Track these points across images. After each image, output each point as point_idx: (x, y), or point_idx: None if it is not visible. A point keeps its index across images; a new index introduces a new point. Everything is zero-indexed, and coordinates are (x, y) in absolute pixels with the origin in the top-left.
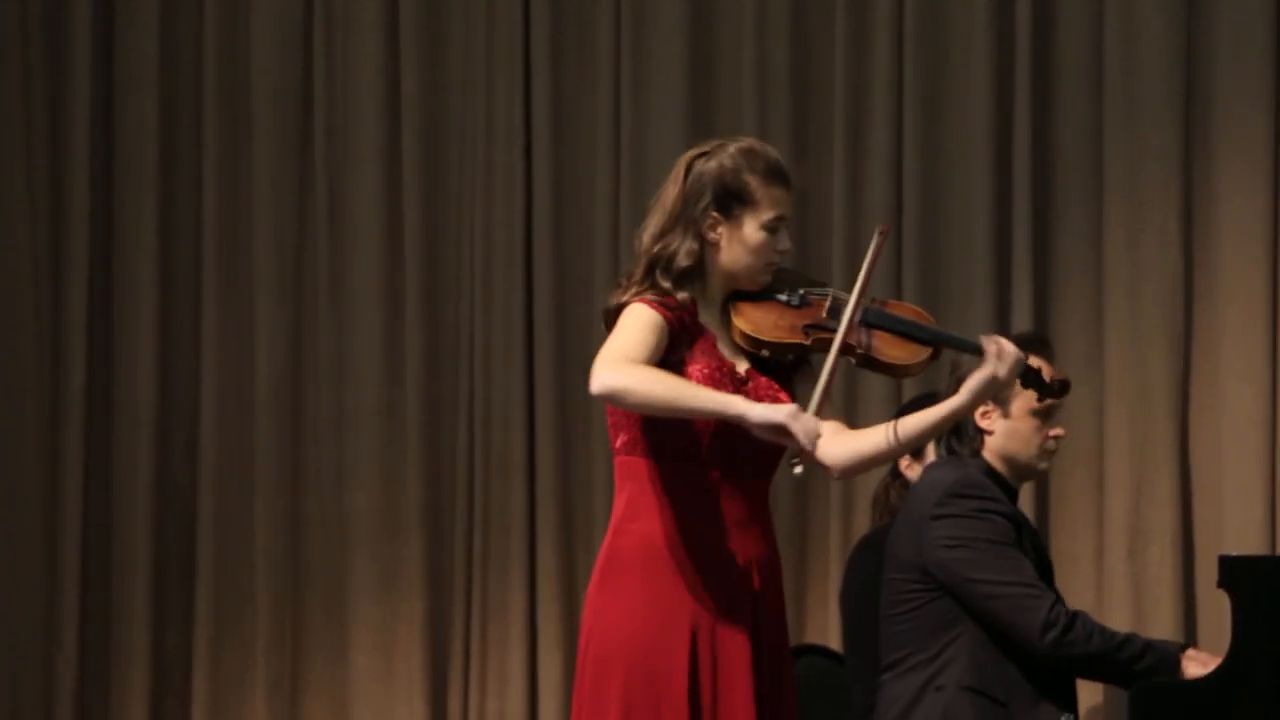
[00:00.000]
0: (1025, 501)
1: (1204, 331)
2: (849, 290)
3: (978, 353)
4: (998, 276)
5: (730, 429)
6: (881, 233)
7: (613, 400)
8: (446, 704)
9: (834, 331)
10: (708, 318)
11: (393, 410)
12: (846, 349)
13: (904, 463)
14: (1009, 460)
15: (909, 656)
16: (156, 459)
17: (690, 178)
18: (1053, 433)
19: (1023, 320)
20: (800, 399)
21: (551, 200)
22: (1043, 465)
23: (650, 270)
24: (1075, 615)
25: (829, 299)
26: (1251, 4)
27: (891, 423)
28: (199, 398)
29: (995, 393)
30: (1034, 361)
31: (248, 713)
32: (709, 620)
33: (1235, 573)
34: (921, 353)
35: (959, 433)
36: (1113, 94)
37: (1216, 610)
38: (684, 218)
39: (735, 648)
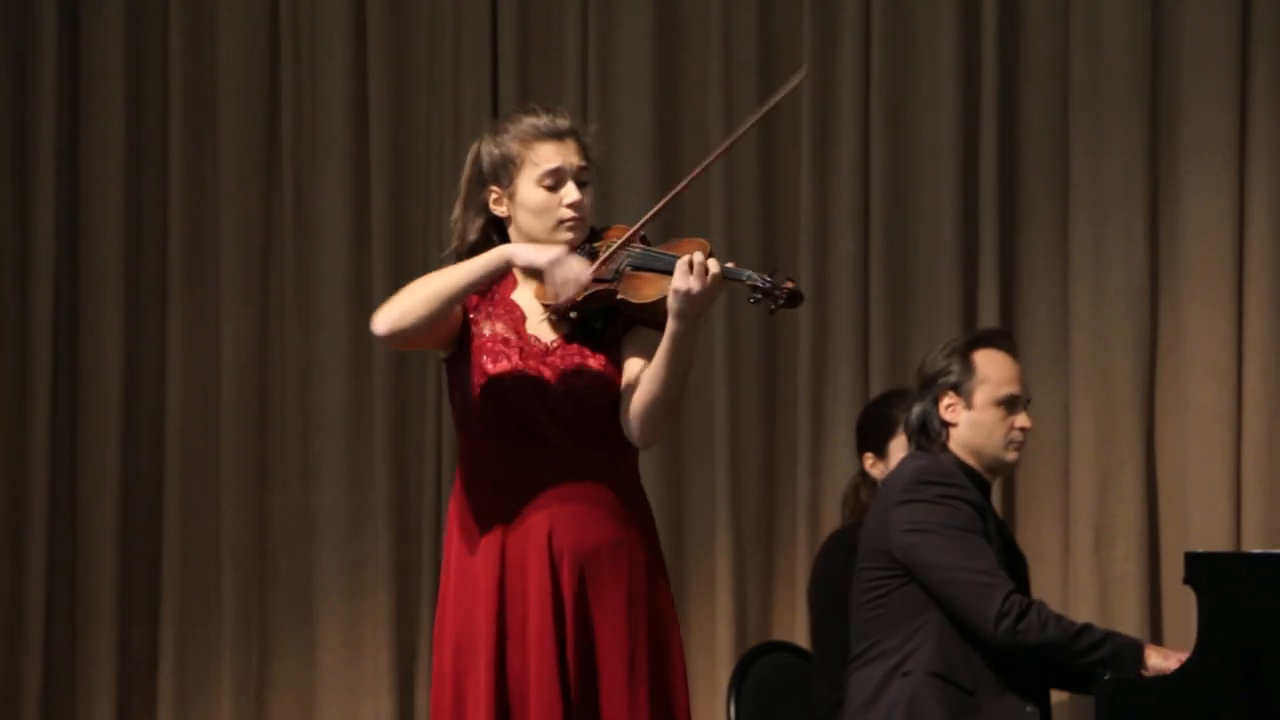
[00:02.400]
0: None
1: (1169, 329)
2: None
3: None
4: (964, 274)
5: (506, 400)
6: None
7: (399, 330)
8: (414, 701)
9: (606, 283)
10: (525, 295)
11: (359, 408)
12: (607, 297)
13: (868, 461)
14: (976, 452)
15: (877, 644)
16: (122, 457)
17: (473, 160)
18: (1018, 424)
19: (989, 318)
20: (624, 361)
21: None
22: (1010, 457)
23: (457, 258)
24: (1030, 604)
25: (607, 245)
26: (1216, 3)
27: (649, 367)
28: (165, 396)
29: (695, 308)
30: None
31: (214, 710)
32: (503, 597)
33: (1201, 569)
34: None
35: (926, 429)
36: (1078, 92)
37: (1182, 606)
38: (470, 200)
39: (533, 623)
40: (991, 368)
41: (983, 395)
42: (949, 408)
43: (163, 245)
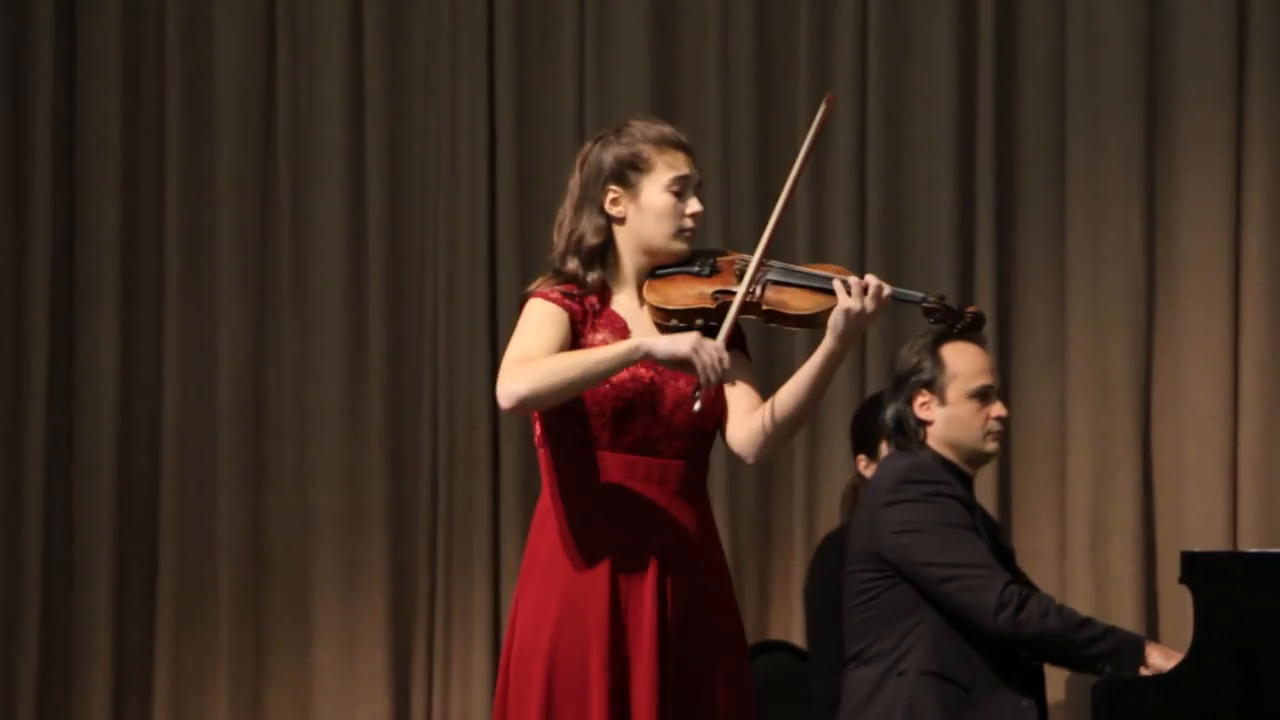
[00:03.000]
0: (987, 494)
1: (1165, 327)
2: (776, 258)
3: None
4: (961, 272)
5: (632, 410)
6: (781, 207)
7: (526, 406)
8: (409, 701)
9: (749, 297)
10: (624, 303)
11: (356, 408)
12: (749, 306)
13: (861, 464)
14: (955, 446)
15: (871, 645)
16: (119, 457)
17: (587, 164)
18: (994, 413)
19: (987, 316)
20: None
21: (515, 198)
22: (990, 447)
23: (561, 258)
24: (1030, 595)
25: (737, 264)
26: (1213, 2)
27: (785, 387)
28: (161, 395)
29: (859, 327)
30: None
31: (210, 710)
32: (617, 610)
33: (1197, 568)
34: (827, 301)
35: (903, 429)
36: (1075, 91)
37: (1178, 605)
38: (585, 200)
39: (638, 637)
40: (961, 361)
41: (956, 390)
42: (923, 405)
43: (159, 245)
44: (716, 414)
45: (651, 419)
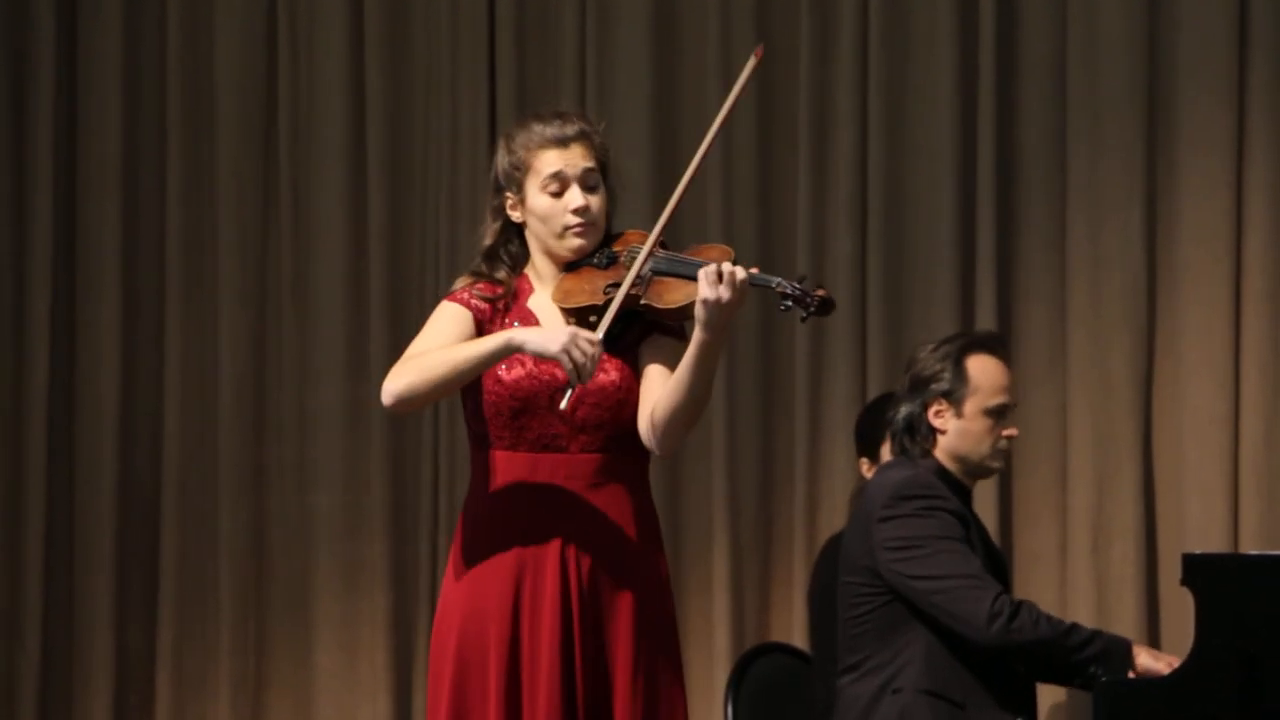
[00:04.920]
0: (988, 498)
1: (1166, 329)
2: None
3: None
4: (962, 275)
5: (528, 407)
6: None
7: (404, 402)
8: (410, 703)
9: (632, 288)
10: (540, 299)
11: (356, 410)
12: (631, 299)
13: (864, 467)
14: (961, 459)
15: (867, 660)
16: (119, 458)
17: (493, 165)
18: (1006, 432)
19: (986, 318)
20: (643, 368)
21: None
22: (996, 464)
23: (482, 260)
24: (1020, 603)
25: (627, 252)
26: (1213, 4)
27: (673, 376)
28: (162, 397)
29: (723, 316)
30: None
31: (211, 712)
32: (517, 603)
33: (1198, 571)
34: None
35: (912, 431)
36: (1076, 93)
37: (1179, 608)
38: (491, 206)
39: (537, 634)
40: (984, 377)
41: (973, 405)
42: (938, 414)
43: (160, 247)
44: (633, 404)
45: (551, 415)
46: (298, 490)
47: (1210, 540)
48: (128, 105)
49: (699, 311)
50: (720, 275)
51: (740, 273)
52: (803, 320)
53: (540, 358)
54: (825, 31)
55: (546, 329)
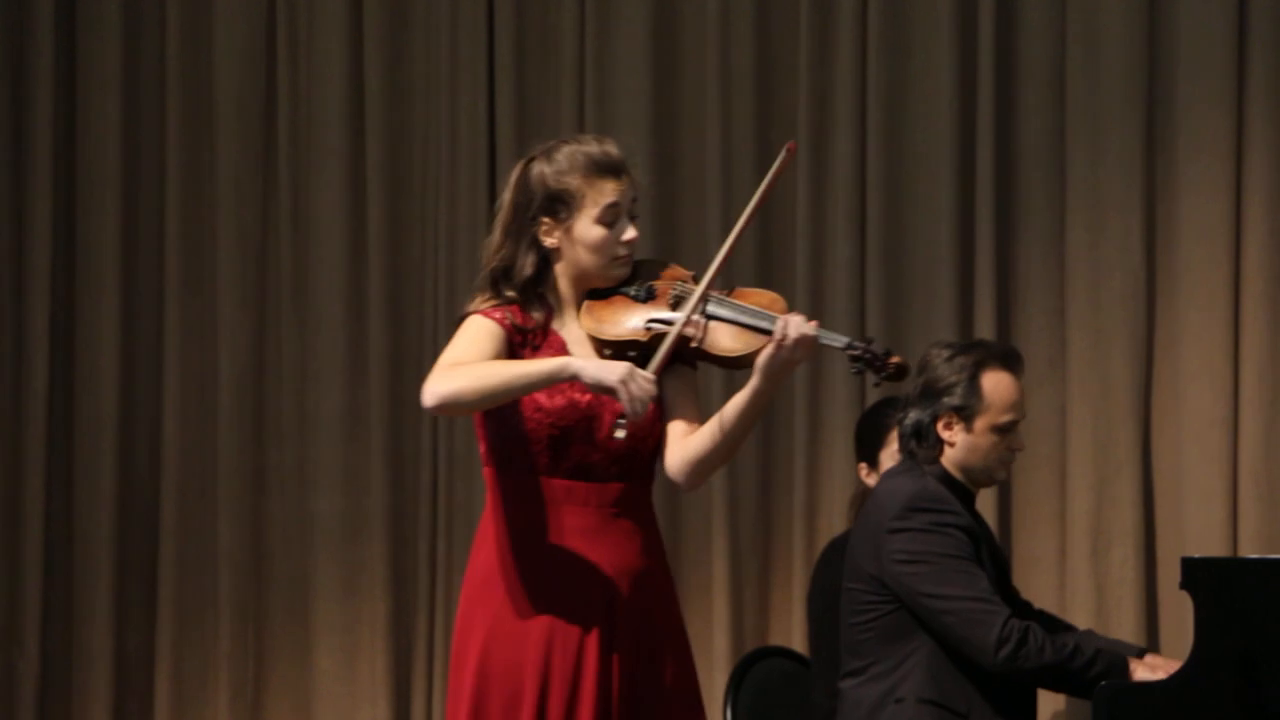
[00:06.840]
0: (988, 502)
1: (1165, 333)
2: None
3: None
4: (960, 279)
5: (568, 436)
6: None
7: (448, 407)
8: (410, 706)
9: (672, 325)
10: (566, 324)
11: (356, 413)
12: (682, 343)
13: (863, 471)
14: (967, 470)
15: (870, 666)
16: (119, 462)
17: (520, 185)
18: (1012, 446)
19: (985, 322)
20: (668, 399)
21: None
22: (1000, 475)
23: (494, 283)
24: (1027, 629)
25: (674, 289)
26: (1212, 6)
27: (716, 417)
28: (161, 401)
29: (785, 371)
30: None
31: (210, 715)
32: (554, 633)
33: (1197, 574)
34: (757, 341)
35: (919, 438)
36: (1074, 97)
37: (1178, 611)
38: (517, 227)
39: (583, 660)
40: (997, 394)
41: (984, 421)
42: (948, 427)
43: (159, 250)
44: (656, 435)
45: (588, 445)
46: (297, 494)
47: (1209, 544)
48: (127, 107)
49: (765, 364)
50: (795, 339)
51: (812, 332)
52: (875, 386)
53: (596, 389)
54: (824, 36)
55: (600, 361)
